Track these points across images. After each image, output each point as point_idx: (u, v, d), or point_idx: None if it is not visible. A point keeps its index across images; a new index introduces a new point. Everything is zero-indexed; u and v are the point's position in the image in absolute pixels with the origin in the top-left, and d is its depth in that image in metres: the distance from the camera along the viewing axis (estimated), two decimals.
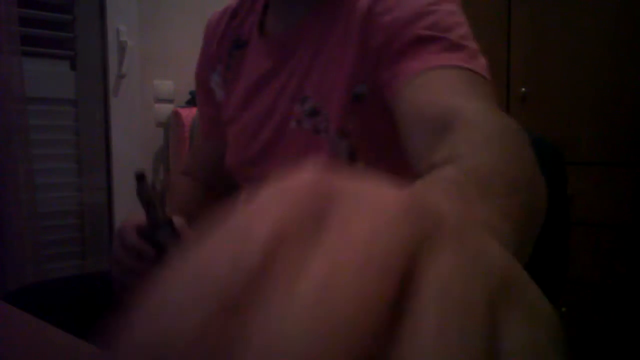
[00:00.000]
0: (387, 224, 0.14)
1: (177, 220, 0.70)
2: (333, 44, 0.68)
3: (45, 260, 1.70)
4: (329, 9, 0.70)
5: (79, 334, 0.46)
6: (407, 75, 0.57)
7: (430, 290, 0.14)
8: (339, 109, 0.67)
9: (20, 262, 1.60)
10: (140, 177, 0.64)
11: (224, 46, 0.84)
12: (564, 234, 0.80)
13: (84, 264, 1.88)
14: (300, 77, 0.71)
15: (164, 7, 2.00)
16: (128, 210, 1.79)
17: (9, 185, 1.58)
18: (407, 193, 0.16)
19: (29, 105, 1.65)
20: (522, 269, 0.16)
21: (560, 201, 0.79)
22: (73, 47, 1.84)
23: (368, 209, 0.15)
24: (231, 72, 0.82)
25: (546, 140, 0.79)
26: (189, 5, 2.04)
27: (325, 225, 0.14)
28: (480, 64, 0.57)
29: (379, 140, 0.67)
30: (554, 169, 0.78)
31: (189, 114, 1.86)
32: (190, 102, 1.96)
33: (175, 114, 1.92)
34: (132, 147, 1.92)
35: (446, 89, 0.53)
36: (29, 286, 0.84)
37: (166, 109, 2.01)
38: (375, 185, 0.16)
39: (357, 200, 0.15)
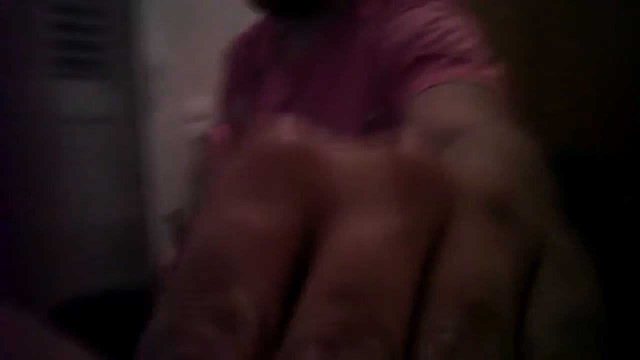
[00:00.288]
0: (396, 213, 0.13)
1: None
2: (347, 70, 0.68)
3: (85, 275, 1.74)
4: (342, 34, 0.70)
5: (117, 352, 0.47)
6: (409, 96, 0.57)
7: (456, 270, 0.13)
8: (353, 137, 0.66)
9: (60, 276, 1.63)
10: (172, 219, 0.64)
11: (244, 74, 0.84)
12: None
13: (120, 278, 1.91)
14: (318, 105, 0.71)
15: (195, 26, 2.03)
16: (162, 228, 1.82)
17: (48, 202, 1.62)
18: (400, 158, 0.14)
19: (66, 125, 1.69)
20: (559, 229, 0.15)
21: (617, 214, 0.77)
22: (107, 68, 1.88)
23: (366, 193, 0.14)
24: (252, 101, 0.83)
25: (592, 156, 0.77)
26: (220, 22, 2.06)
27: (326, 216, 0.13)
28: (489, 74, 0.56)
29: None
30: (604, 183, 0.76)
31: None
32: None
33: (209, 132, 1.94)
34: (165, 164, 1.95)
35: (449, 104, 0.53)
36: (71, 301, 0.85)
37: (199, 127, 2.04)
38: (364, 153, 0.15)
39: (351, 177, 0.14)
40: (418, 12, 0.63)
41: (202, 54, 2.04)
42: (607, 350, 0.13)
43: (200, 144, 2.02)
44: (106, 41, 1.87)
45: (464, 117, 0.48)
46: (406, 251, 0.13)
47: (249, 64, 0.83)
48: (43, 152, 1.62)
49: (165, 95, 1.94)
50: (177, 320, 0.11)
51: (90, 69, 1.85)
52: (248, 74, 0.83)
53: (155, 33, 1.92)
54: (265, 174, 0.14)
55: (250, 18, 0.88)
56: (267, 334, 0.12)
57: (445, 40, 0.59)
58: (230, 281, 0.12)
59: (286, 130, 0.14)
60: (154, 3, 1.90)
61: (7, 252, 1.45)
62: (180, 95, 2.00)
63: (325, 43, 0.72)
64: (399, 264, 0.12)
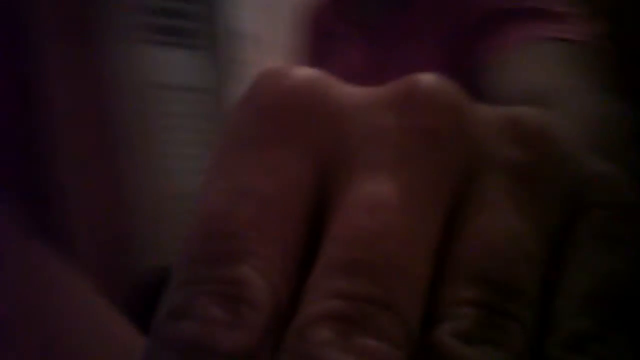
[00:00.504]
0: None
1: None
2: (423, 32, 0.65)
3: (175, 242, 1.80)
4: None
5: None
6: (491, 56, 0.52)
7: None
8: None
9: (153, 242, 1.70)
10: None
11: (319, 39, 0.83)
12: None
13: None
14: (393, 69, 0.69)
15: None
16: None
17: (144, 168, 1.68)
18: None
19: (161, 92, 1.75)
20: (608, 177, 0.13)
21: None
22: (200, 35, 1.91)
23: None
24: (327, 66, 0.82)
25: None
26: None
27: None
28: (581, 31, 0.51)
29: None
30: None
31: None
32: None
33: None
34: None
35: (535, 65, 0.48)
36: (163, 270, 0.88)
37: None
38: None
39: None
40: None
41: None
42: None
43: None
44: (199, 9, 1.90)
45: (552, 80, 0.43)
46: (425, 216, 0.12)
47: (323, 29, 0.83)
48: (140, 118, 1.68)
49: (257, 64, 1.96)
50: (182, 298, 0.11)
51: (183, 36, 1.89)
52: (323, 39, 0.82)
53: (247, 1, 1.94)
54: (271, 127, 0.13)
55: None
56: (278, 308, 0.11)
57: None
58: (237, 254, 0.11)
59: (288, 74, 0.13)
60: None
61: (104, 219, 1.53)
62: (269, 63, 2.01)
63: (400, 6, 0.69)
64: (416, 233, 0.12)
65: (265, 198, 0.12)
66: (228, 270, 0.11)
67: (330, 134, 0.13)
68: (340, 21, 0.78)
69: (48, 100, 1.33)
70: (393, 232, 0.11)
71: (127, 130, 1.59)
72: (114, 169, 1.61)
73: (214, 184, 0.12)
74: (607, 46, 0.50)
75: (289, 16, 2.03)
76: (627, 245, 0.12)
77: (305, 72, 0.14)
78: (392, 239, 0.11)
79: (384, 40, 0.70)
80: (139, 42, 1.64)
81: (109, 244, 1.52)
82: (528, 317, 0.11)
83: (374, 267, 0.11)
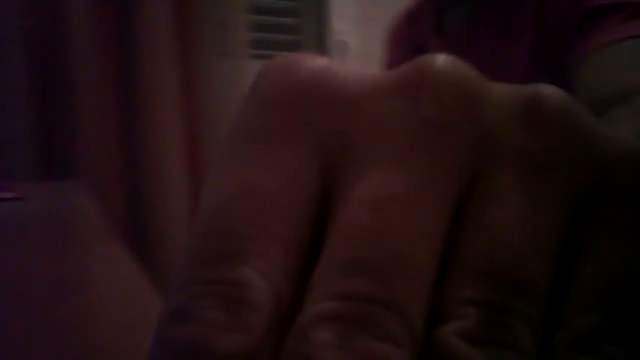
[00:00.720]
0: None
1: None
2: (510, 37, 0.62)
3: None
4: (505, 2, 0.64)
5: None
6: (582, 56, 0.49)
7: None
8: None
9: None
10: None
11: (405, 50, 0.82)
12: None
13: None
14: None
15: (384, 5, 2.02)
16: None
17: None
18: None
19: None
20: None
21: None
22: (297, 49, 1.95)
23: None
24: None
25: None
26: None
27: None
28: None
29: None
30: None
31: None
32: None
33: None
34: None
35: (627, 66, 0.44)
36: None
37: None
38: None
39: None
40: None
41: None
42: None
43: None
44: (297, 23, 1.93)
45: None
46: (431, 211, 0.11)
47: (410, 40, 0.82)
48: None
49: None
50: (182, 300, 0.11)
51: (281, 49, 1.93)
52: (409, 50, 0.81)
53: (345, 12, 1.95)
54: (275, 121, 0.12)
55: None
56: (279, 309, 0.11)
57: None
58: (238, 254, 0.11)
59: (293, 66, 0.13)
60: None
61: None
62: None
63: (485, 12, 0.67)
64: (421, 230, 0.11)
65: (267, 195, 0.11)
66: (228, 271, 0.11)
67: (334, 127, 0.12)
68: (430, 34, 0.77)
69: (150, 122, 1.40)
70: (396, 229, 0.11)
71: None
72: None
73: (217, 180, 0.12)
74: None
75: (385, 27, 2.04)
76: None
77: (310, 63, 0.13)
78: (394, 236, 0.11)
79: (474, 48, 0.68)
80: (239, 57, 1.69)
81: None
82: (537, 315, 0.11)
83: (375, 265, 0.10)
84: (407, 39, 0.83)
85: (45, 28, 1.34)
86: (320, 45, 1.97)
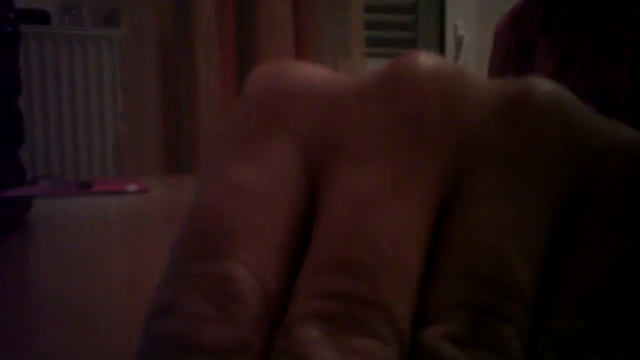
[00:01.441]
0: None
1: None
2: (620, 36, 0.58)
3: None
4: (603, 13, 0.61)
5: None
6: None
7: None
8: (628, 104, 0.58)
9: None
10: None
11: (512, 49, 0.80)
12: None
13: None
14: (586, 77, 0.63)
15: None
16: None
17: None
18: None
19: None
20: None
21: None
22: (414, 45, 1.93)
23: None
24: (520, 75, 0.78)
25: None
26: None
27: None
28: None
29: None
30: None
31: None
32: None
33: None
34: None
35: None
36: None
37: None
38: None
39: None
40: None
41: None
42: None
43: None
44: (415, 20, 1.91)
45: None
46: (413, 209, 0.11)
47: (515, 36, 0.79)
48: None
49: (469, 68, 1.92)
50: (169, 295, 0.11)
51: (398, 46, 1.92)
52: (516, 48, 0.79)
53: (463, 8, 1.91)
54: (261, 122, 0.12)
55: None
56: (267, 303, 0.11)
57: None
58: (225, 249, 0.11)
59: (278, 70, 0.13)
60: None
61: None
62: (483, 69, 1.96)
63: (594, 10, 0.63)
64: (404, 227, 0.11)
65: (254, 192, 0.12)
66: (216, 265, 0.11)
67: (318, 127, 0.12)
68: (538, 31, 0.74)
69: None
70: (378, 228, 0.11)
71: None
72: None
73: (206, 180, 0.12)
74: None
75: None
76: (637, 238, 0.11)
77: (297, 68, 0.13)
78: (377, 235, 0.11)
79: (578, 48, 0.64)
80: (356, 55, 1.70)
81: None
82: (523, 318, 0.10)
83: (359, 264, 0.10)
84: (513, 36, 0.81)
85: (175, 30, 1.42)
86: (438, 41, 1.93)
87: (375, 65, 0.15)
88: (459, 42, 1.91)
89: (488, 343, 0.10)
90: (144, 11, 1.43)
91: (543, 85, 0.12)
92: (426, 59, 0.13)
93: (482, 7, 1.93)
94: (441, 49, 1.92)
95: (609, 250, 0.11)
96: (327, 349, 0.10)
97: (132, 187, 0.59)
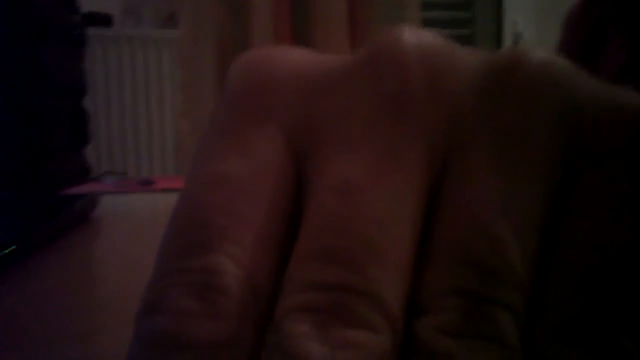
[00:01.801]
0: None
1: None
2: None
3: None
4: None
5: None
6: None
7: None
8: None
9: None
10: None
11: (582, 39, 0.77)
12: None
13: None
14: None
15: None
16: None
17: None
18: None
19: None
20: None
21: None
22: (471, 42, 1.90)
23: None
24: (590, 65, 0.75)
25: None
26: None
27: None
28: None
29: None
30: None
31: None
32: None
33: None
34: None
35: None
36: None
37: None
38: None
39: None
40: None
41: None
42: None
43: None
44: (472, 17, 1.88)
45: None
46: (401, 192, 0.11)
47: (586, 28, 0.76)
48: None
49: None
50: (156, 292, 0.11)
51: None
52: (586, 39, 0.76)
53: (522, 4, 1.87)
54: (243, 112, 0.12)
55: None
56: (255, 294, 0.11)
57: None
58: (209, 243, 0.11)
59: (258, 57, 0.13)
60: None
61: None
62: None
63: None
64: (392, 212, 0.11)
65: (238, 183, 0.11)
66: (200, 259, 0.11)
67: (301, 113, 0.12)
68: (607, 22, 0.72)
69: None
70: (365, 213, 0.10)
71: None
72: None
73: (191, 174, 0.12)
74: None
75: (561, 17, 1.92)
76: (636, 210, 0.10)
77: (279, 54, 0.13)
78: (365, 221, 0.10)
79: None
80: None
81: None
82: (519, 303, 0.10)
83: (347, 253, 0.10)
84: (583, 21, 0.78)
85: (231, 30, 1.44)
86: (496, 38, 1.90)
87: None
88: (517, 39, 1.87)
89: (483, 332, 0.10)
90: (201, 12, 1.45)
91: (533, 53, 0.12)
92: (410, 35, 0.12)
93: (541, 3, 1.89)
94: (498, 46, 1.88)
95: (605, 226, 0.10)
96: (316, 344, 0.09)
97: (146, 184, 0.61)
